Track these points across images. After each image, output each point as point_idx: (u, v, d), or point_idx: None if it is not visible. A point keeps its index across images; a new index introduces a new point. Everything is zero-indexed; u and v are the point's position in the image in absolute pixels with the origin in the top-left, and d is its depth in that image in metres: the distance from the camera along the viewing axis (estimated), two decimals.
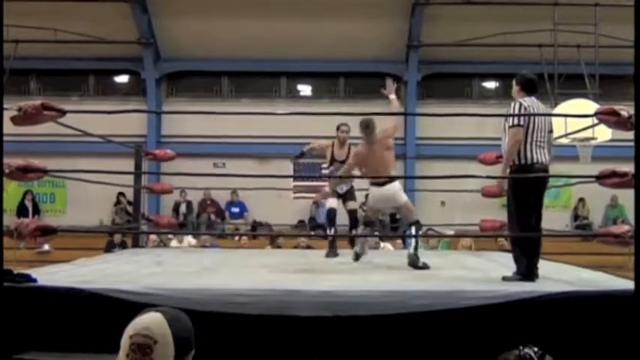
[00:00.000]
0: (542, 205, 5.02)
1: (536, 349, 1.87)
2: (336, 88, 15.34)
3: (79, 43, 13.19)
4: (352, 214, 7.21)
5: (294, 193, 13.50)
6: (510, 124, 4.87)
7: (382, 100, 14.83)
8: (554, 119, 9.30)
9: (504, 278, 4.73)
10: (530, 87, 5.08)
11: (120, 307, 3.91)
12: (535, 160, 4.87)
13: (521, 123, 4.84)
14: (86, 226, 12.55)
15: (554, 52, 12.20)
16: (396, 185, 6.25)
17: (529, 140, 4.86)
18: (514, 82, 5.19)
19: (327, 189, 6.93)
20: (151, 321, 1.71)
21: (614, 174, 4.49)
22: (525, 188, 4.91)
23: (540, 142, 4.90)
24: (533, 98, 5.02)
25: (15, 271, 4.15)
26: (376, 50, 14.23)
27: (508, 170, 4.95)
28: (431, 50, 14.12)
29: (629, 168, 4.34)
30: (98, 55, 14.21)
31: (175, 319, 1.74)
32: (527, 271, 4.74)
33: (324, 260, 6.78)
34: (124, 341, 1.71)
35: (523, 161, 4.87)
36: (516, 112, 4.90)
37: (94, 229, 12.74)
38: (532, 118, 4.87)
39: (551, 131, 5.10)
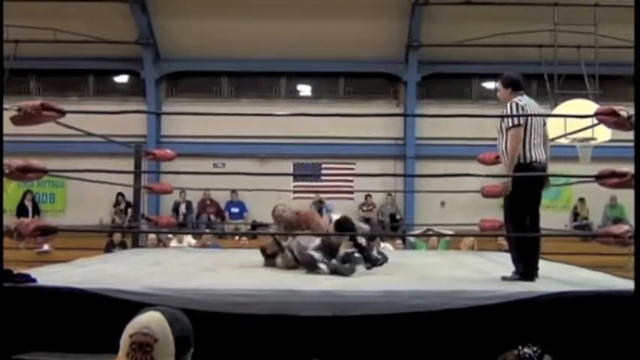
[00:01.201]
0: (540, 205, 5.03)
1: (535, 348, 1.87)
2: (336, 88, 15.35)
3: (78, 43, 13.20)
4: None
5: (294, 193, 13.54)
6: (509, 124, 4.88)
7: (381, 101, 15.00)
8: (553, 120, 9.31)
9: (504, 278, 4.73)
10: (517, 86, 5.09)
11: (120, 308, 3.91)
12: (534, 159, 4.88)
13: (521, 123, 4.85)
14: (86, 226, 12.55)
15: (554, 52, 12.20)
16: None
17: (527, 139, 4.87)
18: (500, 85, 5.20)
19: None
20: (150, 320, 1.71)
21: (613, 174, 4.48)
22: (524, 188, 4.90)
23: (538, 140, 4.91)
24: (525, 96, 5.04)
25: (15, 272, 4.15)
26: (376, 50, 14.23)
27: (513, 169, 4.93)
28: (430, 50, 14.12)
29: (628, 168, 4.34)
30: (98, 56, 14.22)
31: (174, 318, 1.75)
32: (525, 272, 4.74)
33: None
34: (124, 340, 1.72)
35: (522, 160, 4.87)
36: (514, 112, 4.90)
37: (94, 229, 12.74)
38: (529, 117, 4.88)
39: (544, 125, 5.11)
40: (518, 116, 4.86)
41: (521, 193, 4.90)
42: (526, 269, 4.75)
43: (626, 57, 5.91)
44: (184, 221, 14.01)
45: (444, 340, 3.97)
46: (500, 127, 4.99)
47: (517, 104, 4.92)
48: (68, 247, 9.80)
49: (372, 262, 5.49)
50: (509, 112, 4.92)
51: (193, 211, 14.45)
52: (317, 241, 5.50)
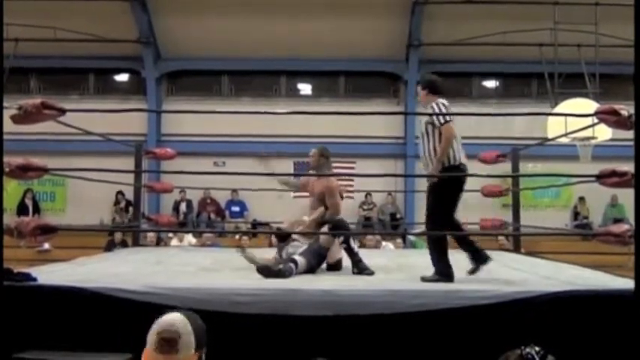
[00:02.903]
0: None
1: (537, 348, 1.86)
2: (336, 87, 15.35)
3: (79, 41, 13.19)
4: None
5: (294, 192, 13.53)
6: (441, 122, 4.86)
7: (381, 100, 14.99)
8: (554, 119, 9.32)
9: (423, 279, 4.73)
10: (436, 89, 5.10)
11: (120, 307, 3.92)
12: (462, 161, 4.94)
13: (449, 120, 4.87)
14: (86, 225, 12.56)
15: (555, 51, 12.19)
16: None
17: (455, 141, 4.92)
18: (419, 86, 5.18)
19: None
20: (175, 318, 1.98)
21: (614, 173, 4.48)
22: (455, 189, 4.94)
23: (459, 142, 4.96)
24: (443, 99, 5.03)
25: (15, 270, 4.15)
26: (376, 49, 14.23)
27: (440, 169, 4.90)
28: (431, 49, 14.11)
29: (629, 167, 4.34)
30: (98, 54, 14.22)
31: (192, 318, 2.02)
32: (445, 272, 4.73)
33: None
34: (151, 338, 1.93)
35: (453, 162, 4.90)
36: (443, 110, 4.90)
37: (94, 228, 12.74)
38: (453, 119, 4.90)
39: None
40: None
41: (453, 195, 4.94)
42: (445, 269, 4.75)
43: (627, 56, 5.90)
44: (185, 220, 14.01)
45: (444, 339, 3.97)
46: (426, 129, 4.95)
47: (443, 104, 4.94)
48: (68, 246, 9.80)
49: (359, 270, 5.30)
50: (437, 111, 4.90)
51: (194, 210, 14.45)
52: (304, 246, 5.47)
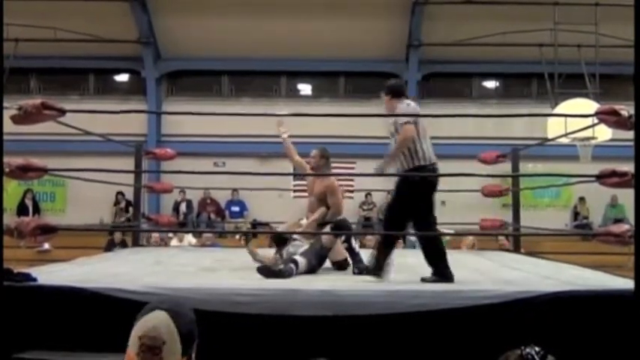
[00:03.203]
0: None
1: (537, 348, 1.86)
2: (336, 87, 15.35)
3: (79, 42, 13.20)
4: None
5: (294, 192, 13.54)
6: (403, 121, 4.82)
7: (381, 100, 14.96)
8: (554, 119, 9.33)
9: (423, 279, 4.71)
10: (398, 92, 5.09)
11: (120, 307, 3.91)
12: (433, 160, 4.89)
13: (411, 120, 4.82)
14: (86, 225, 12.56)
15: (555, 51, 12.20)
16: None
17: (424, 140, 4.88)
18: (384, 95, 5.16)
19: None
20: (158, 322, 1.78)
21: (614, 173, 4.48)
22: (430, 189, 4.88)
23: (429, 142, 4.91)
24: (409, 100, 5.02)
25: (15, 270, 4.15)
26: (376, 50, 14.23)
27: (400, 168, 4.86)
28: (431, 50, 14.12)
29: (629, 167, 4.34)
30: (98, 54, 14.23)
31: (178, 314, 1.80)
32: (443, 273, 4.69)
33: None
34: (133, 340, 1.78)
35: (428, 161, 4.85)
36: (409, 110, 4.89)
37: (94, 228, 12.74)
38: (421, 118, 4.90)
39: None
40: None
41: (430, 195, 4.87)
42: (444, 270, 4.71)
43: (627, 56, 5.90)
44: (185, 220, 14.02)
45: (444, 339, 3.97)
46: (396, 129, 4.91)
47: (408, 104, 4.93)
48: (68, 246, 9.81)
49: (360, 270, 5.28)
50: (402, 111, 4.89)
51: (194, 210, 14.45)
52: (305, 246, 5.46)
